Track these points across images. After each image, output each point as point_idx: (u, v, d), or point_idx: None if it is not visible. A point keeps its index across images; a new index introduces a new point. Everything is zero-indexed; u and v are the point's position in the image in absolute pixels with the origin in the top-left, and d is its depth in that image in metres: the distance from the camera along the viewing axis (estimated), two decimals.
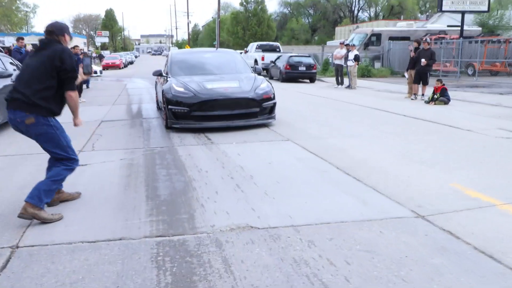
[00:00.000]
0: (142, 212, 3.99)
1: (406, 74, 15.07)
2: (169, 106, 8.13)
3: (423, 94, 13.74)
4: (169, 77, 8.99)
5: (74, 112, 4.11)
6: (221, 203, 4.19)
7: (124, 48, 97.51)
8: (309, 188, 4.61)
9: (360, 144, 6.89)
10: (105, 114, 10.82)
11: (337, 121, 9.20)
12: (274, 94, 8.70)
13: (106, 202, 4.28)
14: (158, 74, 9.52)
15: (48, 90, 3.80)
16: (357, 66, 18.50)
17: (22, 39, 13.82)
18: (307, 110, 11.11)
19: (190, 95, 8.07)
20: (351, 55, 18.13)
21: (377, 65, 26.86)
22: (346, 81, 18.84)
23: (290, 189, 4.59)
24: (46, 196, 3.83)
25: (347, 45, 19.17)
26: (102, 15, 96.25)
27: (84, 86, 17.71)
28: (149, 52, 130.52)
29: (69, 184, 4.82)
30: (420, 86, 13.79)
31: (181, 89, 8.22)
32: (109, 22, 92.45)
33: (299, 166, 5.58)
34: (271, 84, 8.97)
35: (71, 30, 4.45)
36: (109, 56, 46.53)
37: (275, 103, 8.67)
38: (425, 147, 6.61)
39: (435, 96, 12.48)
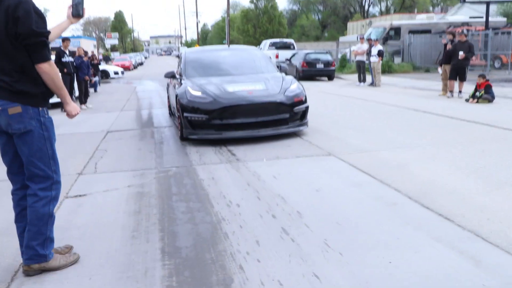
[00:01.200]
0: (157, 281, 2.76)
1: (439, 70, 13.73)
2: (185, 114, 6.94)
3: (460, 91, 12.39)
4: (184, 79, 7.79)
5: (58, 94, 2.82)
6: (267, 262, 2.94)
7: (134, 50, 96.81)
8: (384, 234, 3.33)
9: (419, 158, 5.61)
10: (112, 122, 9.67)
11: (376, 126, 7.91)
12: (306, 96, 7.46)
13: (107, 261, 3.07)
14: (171, 76, 8.34)
15: (31, 66, 2.68)
16: (381, 62, 17.22)
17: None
18: (336, 113, 9.83)
19: (209, 100, 6.87)
20: (374, 50, 16.84)
21: (397, 60, 25.52)
22: (368, 78, 17.60)
23: (358, 236, 3.32)
24: (44, 247, 2.89)
25: (369, 39, 17.86)
26: (112, 17, 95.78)
27: (92, 90, 16.75)
28: (158, 52, 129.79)
29: (60, 227, 3.65)
30: (456, 83, 12.45)
31: (198, 93, 7.02)
32: (119, 24, 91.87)
33: (357, 195, 4.30)
34: (302, 85, 7.72)
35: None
36: (118, 58, 45.60)
37: (307, 107, 7.41)
38: (501, 161, 5.31)
39: (478, 94, 11.14)
